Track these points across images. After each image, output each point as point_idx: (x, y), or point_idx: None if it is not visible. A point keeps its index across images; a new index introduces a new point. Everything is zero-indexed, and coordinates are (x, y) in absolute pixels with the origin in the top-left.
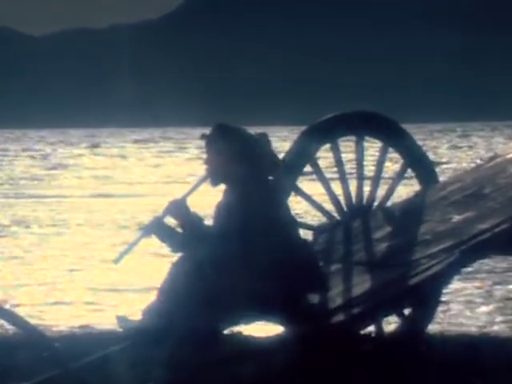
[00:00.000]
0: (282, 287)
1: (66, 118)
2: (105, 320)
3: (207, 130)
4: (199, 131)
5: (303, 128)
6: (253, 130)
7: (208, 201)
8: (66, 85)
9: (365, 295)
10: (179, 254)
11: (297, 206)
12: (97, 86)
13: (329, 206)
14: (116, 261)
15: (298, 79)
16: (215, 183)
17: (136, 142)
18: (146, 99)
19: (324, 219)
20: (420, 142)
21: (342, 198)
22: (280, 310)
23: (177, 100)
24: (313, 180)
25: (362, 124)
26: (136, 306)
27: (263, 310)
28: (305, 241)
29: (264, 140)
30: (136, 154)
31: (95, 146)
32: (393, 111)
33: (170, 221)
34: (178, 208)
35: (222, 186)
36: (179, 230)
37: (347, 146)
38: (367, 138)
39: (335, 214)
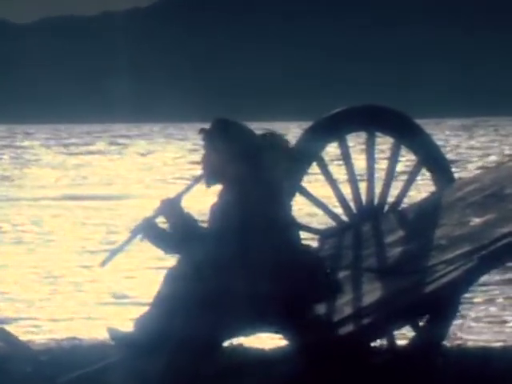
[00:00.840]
0: (283, 294)
1: (56, 112)
2: (94, 332)
3: (206, 125)
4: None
5: (309, 124)
6: (258, 126)
7: (201, 204)
8: (55, 77)
9: (376, 304)
10: (175, 259)
11: (301, 207)
12: (89, 79)
13: (336, 208)
14: (102, 264)
15: (306, 71)
16: (211, 183)
17: (123, 137)
18: (143, 93)
19: (331, 222)
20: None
21: (350, 200)
22: (281, 320)
23: (175, 93)
24: (318, 179)
25: (373, 119)
26: (127, 315)
27: (263, 320)
28: (307, 246)
29: (275, 140)
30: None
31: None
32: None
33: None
34: (172, 208)
35: (216, 188)
36: (171, 231)
37: (356, 142)
38: (378, 134)
39: (343, 217)
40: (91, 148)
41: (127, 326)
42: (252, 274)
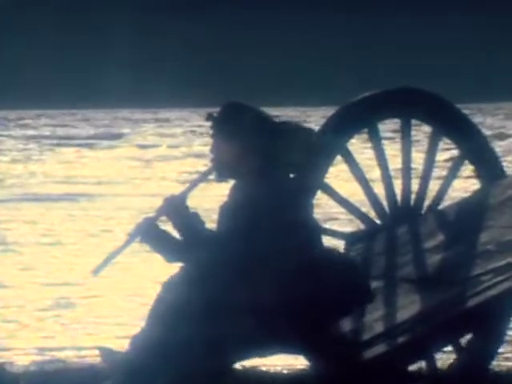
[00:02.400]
0: (303, 307)
1: (43, 95)
2: (82, 352)
3: (215, 110)
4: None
5: (333, 110)
6: (277, 112)
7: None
8: (41, 51)
9: (412, 321)
10: (176, 266)
11: (324, 207)
12: (83, 58)
13: (366, 209)
14: (95, 272)
15: (329, 51)
16: (222, 177)
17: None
18: (141, 75)
19: (359, 225)
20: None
21: (382, 198)
22: (301, 338)
23: (177, 74)
24: (342, 174)
25: (409, 104)
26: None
27: (279, 337)
28: (333, 249)
29: (297, 131)
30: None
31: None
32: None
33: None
34: (176, 207)
35: (227, 184)
36: (176, 234)
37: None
38: (414, 121)
39: (374, 219)
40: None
41: (121, 345)
42: (266, 284)
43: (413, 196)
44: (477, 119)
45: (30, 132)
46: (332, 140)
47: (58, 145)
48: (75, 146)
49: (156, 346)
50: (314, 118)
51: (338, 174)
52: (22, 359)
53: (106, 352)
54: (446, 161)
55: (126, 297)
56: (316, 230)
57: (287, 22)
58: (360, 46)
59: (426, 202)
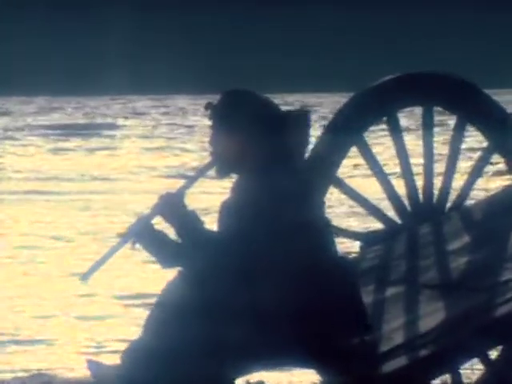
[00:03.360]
0: (313, 317)
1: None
2: (68, 364)
3: (214, 98)
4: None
5: (349, 96)
6: (286, 98)
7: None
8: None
9: (435, 331)
10: (174, 272)
11: (337, 205)
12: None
13: (385, 206)
14: (83, 277)
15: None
16: (223, 173)
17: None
18: (140, 61)
19: (377, 224)
20: None
21: (403, 195)
22: (311, 350)
23: (174, 58)
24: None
25: (432, 89)
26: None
27: (287, 349)
28: (342, 257)
29: (302, 118)
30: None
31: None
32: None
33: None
34: (172, 205)
35: (227, 182)
36: (173, 235)
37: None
38: (438, 108)
39: (394, 217)
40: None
41: (112, 359)
42: (271, 291)
43: (435, 192)
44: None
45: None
46: (346, 130)
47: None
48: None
49: (152, 355)
50: (326, 105)
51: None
52: (4, 376)
53: (95, 365)
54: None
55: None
56: (327, 231)
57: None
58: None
59: (450, 199)
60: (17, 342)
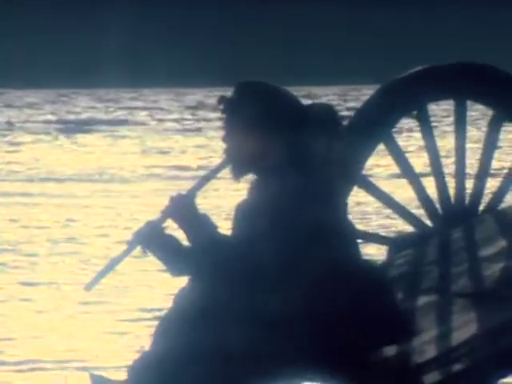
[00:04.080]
0: (336, 328)
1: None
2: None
3: (227, 92)
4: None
5: (375, 88)
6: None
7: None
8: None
9: (470, 344)
10: (185, 280)
11: (361, 206)
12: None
13: (415, 208)
14: (88, 287)
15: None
16: (238, 173)
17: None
18: (139, 48)
19: (406, 228)
20: None
21: (434, 196)
22: (334, 364)
23: (177, 48)
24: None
25: (466, 82)
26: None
27: (308, 363)
28: (371, 261)
29: (324, 112)
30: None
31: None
32: None
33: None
34: (183, 208)
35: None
36: (185, 241)
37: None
38: (471, 102)
39: (424, 220)
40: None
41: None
42: (292, 301)
43: (468, 193)
44: None
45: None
46: (373, 125)
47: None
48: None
49: (160, 368)
50: (351, 98)
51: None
52: None
53: (98, 380)
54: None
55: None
56: (352, 236)
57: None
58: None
59: (484, 201)
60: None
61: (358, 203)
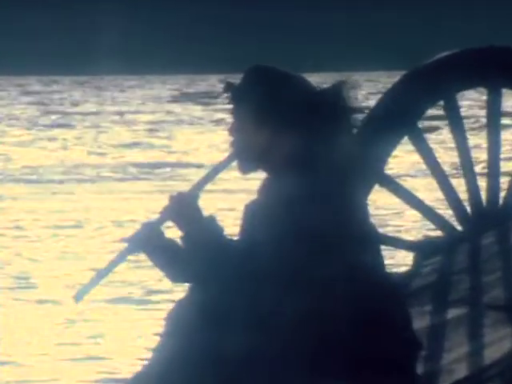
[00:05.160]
0: (352, 344)
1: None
2: None
3: (234, 77)
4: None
5: (399, 75)
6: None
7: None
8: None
9: (503, 362)
10: (186, 287)
11: (382, 208)
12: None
13: (443, 210)
14: (77, 297)
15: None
16: (247, 168)
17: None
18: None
19: (433, 231)
20: None
21: (464, 197)
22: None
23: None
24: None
25: (499, 68)
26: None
27: (322, 378)
28: (387, 273)
29: (339, 91)
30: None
31: None
32: None
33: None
34: (184, 208)
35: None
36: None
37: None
38: (506, 90)
39: (453, 223)
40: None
41: None
42: (307, 312)
43: (502, 194)
44: None
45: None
46: (396, 117)
47: None
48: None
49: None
50: (373, 84)
51: None
52: None
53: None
54: None
55: None
56: (374, 241)
57: None
58: None
59: None
60: None
61: (375, 203)
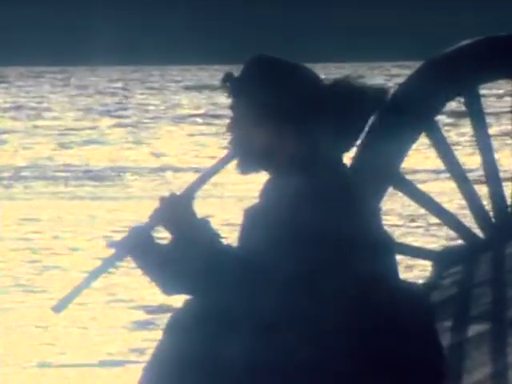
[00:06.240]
0: (367, 365)
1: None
2: None
3: (235, 68)
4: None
5: (416, 66)
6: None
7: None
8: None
9: None
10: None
11: (394, 212)
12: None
13: (464, 216)
14: (57, 308)
15: None
16: (247, 168)
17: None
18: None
19: (454, 239)
20: None
21: (487, 202)
22: None
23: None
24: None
25: None
26: None
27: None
28: (410, 283)
29: (348, 85)
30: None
31: None
32: None
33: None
34: (177, 211)
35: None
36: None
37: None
38: None
39: (475, 231)
40: None
41: None
42: (317, 330)
43: None
44: None
45: None
46: (412, 112)
47: None
48: None
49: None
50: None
51: None
52: None
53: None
54: None
55: None
56: (388, 250)
57: None
58: None
59: None
60: None
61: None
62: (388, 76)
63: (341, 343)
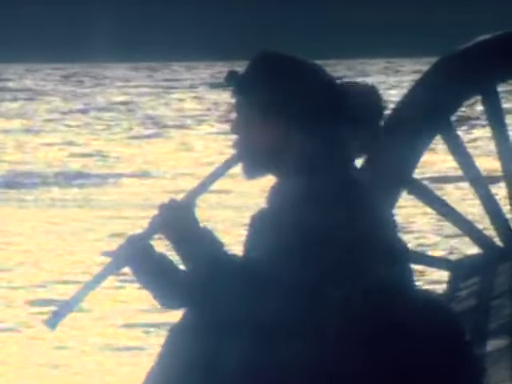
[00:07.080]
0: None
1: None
2: None
3: (240, 65)
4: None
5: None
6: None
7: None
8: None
9: None
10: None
11: (406, 219)
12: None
13: (483, 224)
14: (50, 323)
15: None
16: (253, 172)
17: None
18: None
19: (472, 248)
20: None
21: (506, 208)
22: None
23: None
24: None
25: None
26: None
27: None
28: (429, 293)
29: (363, 91)
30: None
31: None
32: None
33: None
34: (178, 218)
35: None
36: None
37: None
38: None
39: (495, 239)
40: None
41: None
42: (327, 344)
43: None
44: None
45: None
46: (427, 113)
47: None
48: None
49: None
50: (397, 75)
51: None
52: None
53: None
54: None
55: None
56: (403, 258)
57: None
58: None
59: None
60: None
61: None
62: (399, 73)
63: (353, 352)
